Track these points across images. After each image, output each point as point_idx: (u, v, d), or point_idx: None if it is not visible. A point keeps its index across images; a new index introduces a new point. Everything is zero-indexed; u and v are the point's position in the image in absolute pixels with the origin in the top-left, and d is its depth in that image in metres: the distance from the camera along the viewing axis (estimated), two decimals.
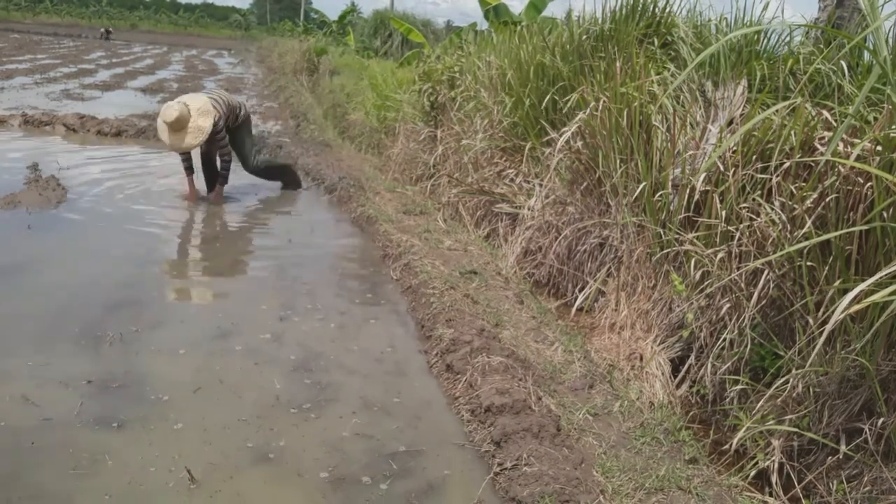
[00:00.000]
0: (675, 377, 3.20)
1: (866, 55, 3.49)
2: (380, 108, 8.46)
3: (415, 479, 2.37)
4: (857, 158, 2.40)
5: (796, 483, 2.44)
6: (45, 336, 3.12)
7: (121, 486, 2.19)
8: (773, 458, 2.48)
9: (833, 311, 1.98)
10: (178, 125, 5.14)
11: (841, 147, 2.56)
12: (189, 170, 5.55)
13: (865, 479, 2.32)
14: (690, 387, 3.15)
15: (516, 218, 4.92)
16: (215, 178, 5.70)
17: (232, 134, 5.66)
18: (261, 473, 2.32)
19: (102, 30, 36.61)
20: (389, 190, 6.32)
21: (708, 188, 3.17)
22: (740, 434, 2.59)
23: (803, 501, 2.39)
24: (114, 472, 2.25)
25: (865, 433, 2.37)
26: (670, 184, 3.43)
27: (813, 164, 2.68)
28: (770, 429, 2.56)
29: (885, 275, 2.02)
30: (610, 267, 3.94)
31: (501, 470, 2.36)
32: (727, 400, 2.93)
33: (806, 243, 2.40)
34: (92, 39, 32.81)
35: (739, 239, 2.90)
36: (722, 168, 3.10)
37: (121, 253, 4.34)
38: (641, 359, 3.26)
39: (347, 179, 6.40)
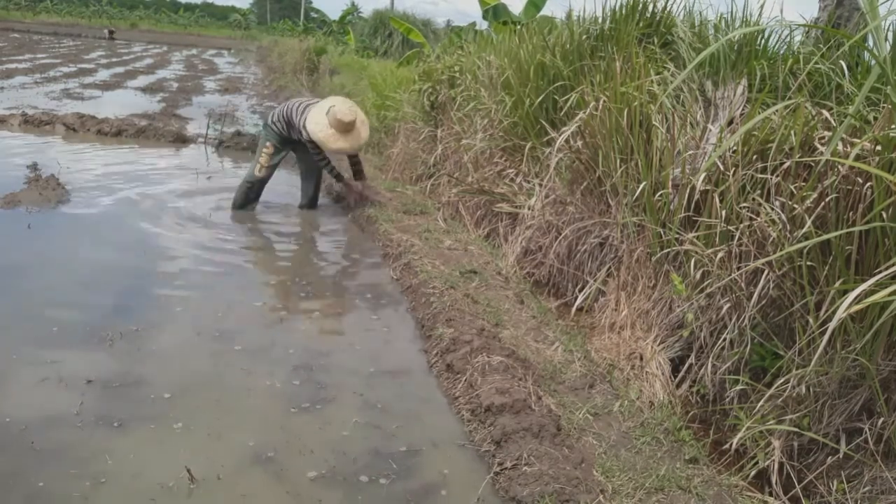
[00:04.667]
0: (675, 377, 3.20)
1: (866, 54, 3.49)
2: (380, 107, 8.45)
3: (414, 479, 2.37)
4: (857, 158, 2.40)
5: (796, 483, 2.44)
6: (44, 336, 3.12)
7: (121, 485, 2.19)
8: (773, 457, 2.48)
9: (834, 312, 1.98)
10: (352, 126, 5.18)
11: (840, 147, 2.56)
12: (337, 174, 5.62)
13: (865, 478, 2.32)
14: (690, 386, 3.15)
15: (516, 217, 4.92)
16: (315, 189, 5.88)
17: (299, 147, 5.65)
18: (261, 472, 2.32)
19: (106, 31, 36.74)
20: (389, 189, 6.32)
21: (708, 188, 3.17)
22: (740, 434, 2.59)
23: (803, 501, 2.39)
24: (114, 471, 2.25)
25: (865, 433, 2.37)
26: (670, 183, 3.43)
27: (813, 164, 2.68)
28: (770, 428, 2.55)
29: (886, 275, 2.02)
30: (610, 267, 3.94)
31: (501, 469, 2.36)
32: (727, 400, 2.93)
33: (806, 243, 2.40)
34: (93, 39, 32.78)
35: (739, 239, 2.90)
36: (722, 168, 3.10)
37: (121, 252, 4.34)
38: (641, 358, 3.26)
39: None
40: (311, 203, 5.92)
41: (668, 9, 4.78)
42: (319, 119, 5.15)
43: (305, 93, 13.62)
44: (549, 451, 2.39)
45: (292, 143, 5.60)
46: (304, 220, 5.66)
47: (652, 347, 3.26)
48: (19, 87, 11.82)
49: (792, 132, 2.86)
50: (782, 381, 2.60)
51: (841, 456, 2.42)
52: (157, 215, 5.18)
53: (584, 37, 4.91)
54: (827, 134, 2.76)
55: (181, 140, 8.44)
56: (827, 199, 2.55)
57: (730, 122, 3.46)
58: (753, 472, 2.51)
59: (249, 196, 5.60)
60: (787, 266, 2.69)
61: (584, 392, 2.98)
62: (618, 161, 3.78)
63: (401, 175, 7.30)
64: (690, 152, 3.43)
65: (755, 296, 2.77)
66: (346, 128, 5.14)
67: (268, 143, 5.51)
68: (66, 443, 2.37)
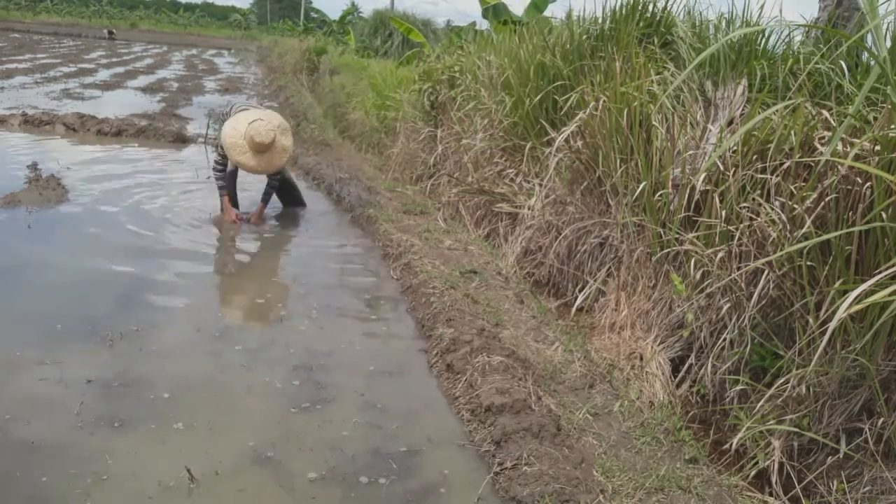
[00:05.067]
0: (675, 377, 3.20)
1: (866, 55, 3.49)
2: (380, 107, 8.45)
3: (414, 479, 2.37)
4: (858, 158, 2.40)
5: (796, 483, 2.44)
6: (44, 336, 3.12)
7: (121, 484, 2.19)
8: (773, 457, 2.48)
9: (834, 312, 1.98)
10: (267, 147, 4.81)
11: (840, 147, 2.56)
12: (224, 189, 5.17)
13: (865, 479, 2.32)
14: (690, 387, 3.15)
15: (516, 218, 4.92)
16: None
17: None
18: (260, 472, 2.32)
19: (106, 31, 36.75)
20: (389, 189, 6.32)
21: (708, 188, 3.17)
22: (740, 434, 2.59)
23: (803, 501, 2.39)
24: (114, 471, 2.25)
25: (865, 433, 2.37)
26: (670, 183, 3.43)
27: (813, 164, 2.68)
28: (770, 428, 2.56)
29: (886, 275, 2.02)
30: (610, 267, 3.94)
31: (501, 470, 2.36)
32: (727, 400, 2.93)
33: (806, 243, 2.40)
34: (93, 39, 32.76)
35: (739, 239, 2.90)
36: (722, 168, 3.10)
37: (121, 252, 4.34)
38: (641, 358, 3.26)
39: (348, 181, 6.39)
40: (295, 201, 5.78)
41: (668, 9, 4.78)
42: (239, 125, 4.82)
43: (305, 93, 13.63)
44: (549, 451, 2.39)
45: None
46: (303, 220, 5.66)
47: (652, 347, 3.26)
48: (19, 87, 11.81)
49: (792, 132, 2.86)
50: (782, 381, 2.60)
51: (841, 456, 2.42)
52: (157, 215, 5.18)
53: (584, 37, 4.92)
54: (827, 134, 2.76)
55: (181, 140, 8.43)
56: (827, 200, 2.55)
57: (730, 122, 3.46)
58: (753, 472, 2.51)
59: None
60: (787, 266, 2.69)
61: (584, 392, 2.98)
62: (618, 161, 3.78)
63: (401, 175, 7.30)
64: (690, 152, 3.43)
65: (755, 296, 2.77)
66: (257, 147, 4.77)
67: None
68: (67, 442, 2.37)
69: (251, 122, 4.79)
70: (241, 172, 5.22)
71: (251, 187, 5.73)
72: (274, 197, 5.46)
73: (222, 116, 5.40)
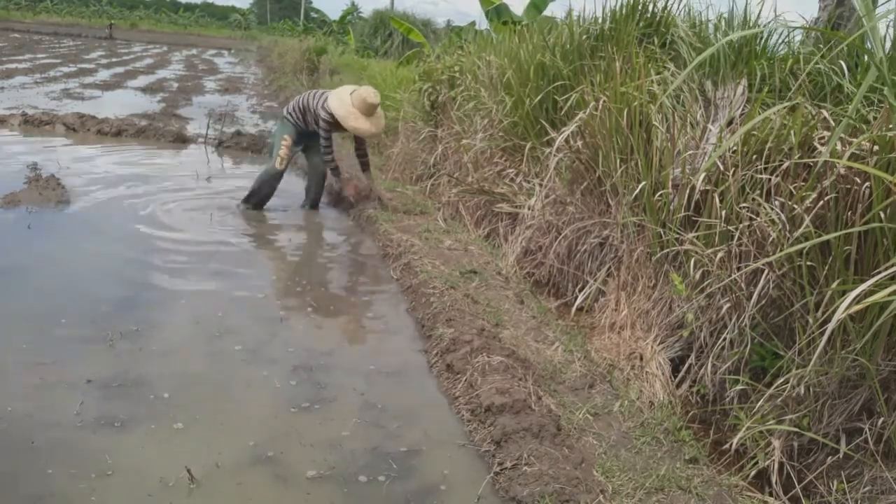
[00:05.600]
0: (675, 377, 3.20)
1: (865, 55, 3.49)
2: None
3: (414, 479, 2.37)
4: (857, 158, 2.41)
5: (796, 483, 2.44)
6: (44, 335, 3.12)
7: (121, 485, 2.19)
8: (773, 457, 2.48)
9: (834, 312, 1.98)
10: (374, 108, 5.31)
11: (840, 147, 2.56)
12: (338, 171, 5.61)
13: (865, 478, 2.32)
14: (690, 387, 3.15)
15: (516, 217, 4.92)
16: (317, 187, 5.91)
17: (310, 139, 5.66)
18: (260, 472, 2.32)
19: (108, 25, 36.87)
20: (389, 189, 6.32)
21: (708, 188, 3.17)
22: (740, 434, 2.59)
23: (803, 501, 2.39)
24: (114, 471, 2.25)
25: (865, 433, 2.37)
26: (670, 183, 3.43)
27: (812, 164, 2.68)
28: (770, 428, 2.56)
29: (885, 275, 2.02)
30: (610, 266, 3.94)
31: (501, 469, 2.36)
32: (727, 400, 2.93)
33: (805, 244, 2.40)
34: (93, 39, 32.75)
35: (739, 239, 2.90)
36: (722, 168, 3.10)
37: (121, 252, 4.35)
38: (641, 358, 3.26)
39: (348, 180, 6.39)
40: (313, 203, 5.93)
41: (668, 9, 4.78)
42: (344, 98, 5.25)
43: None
44: (549, 451, 2.39)
45: (307, 137, 5.60)
46: (304, 220, 5.66)
47: (652, 347, 3.26)
48: (19, 87, 11.81)
49: (791, 132, 2.86)
50: (782, 381, 2.60)
51: (841, 456, 2.42)
52: (157, 215, 5.18)
53: (584, 37, 4.92)
54: (826, 134, 2.76)
55: (181, 140, 8.44)
56: (826, 200, 2.55)
57: (730, 122, 3.46)
58: (753, 472, 2.51)
59: (264, 189, 5.59)
60: (787, 266, 2.69)
61: (584, 392, 2.98)
62: (618, 161, 3.78)
63: (401, 175, 7.30)
64: (690, 152, 3.43)
65: (755, 296, 2.77)
66: (369, 110, 5.25)
67: (285, 136, 5.51)
68: (66, 442, 2.37)
69: (352, 93, 5.27)
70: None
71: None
72: (285, 190, 5.73)
73: (299, 108, 5.48)
